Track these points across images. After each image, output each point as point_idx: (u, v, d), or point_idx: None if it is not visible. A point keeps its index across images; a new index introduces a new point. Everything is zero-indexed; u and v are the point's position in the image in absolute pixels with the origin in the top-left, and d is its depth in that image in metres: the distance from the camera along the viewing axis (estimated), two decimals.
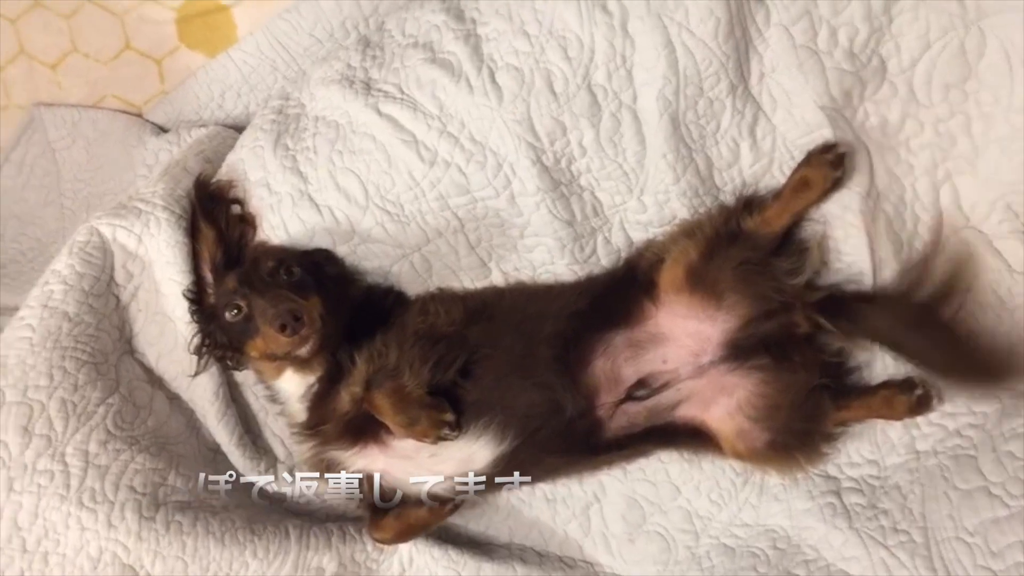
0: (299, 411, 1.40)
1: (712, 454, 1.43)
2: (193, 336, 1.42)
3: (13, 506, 1.30)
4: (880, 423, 1.44)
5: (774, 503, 1.48)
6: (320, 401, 1.37)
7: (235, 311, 1.32)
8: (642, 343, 1.38)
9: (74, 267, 1.44)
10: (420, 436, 1.30)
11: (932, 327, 1.34)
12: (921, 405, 1.38)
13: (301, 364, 1.37)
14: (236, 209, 1.49)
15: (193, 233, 1.46)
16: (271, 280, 1.33)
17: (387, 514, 1.40)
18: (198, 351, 1.42)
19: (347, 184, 1.44)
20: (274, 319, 1.26)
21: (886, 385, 1.40)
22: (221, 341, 1.40)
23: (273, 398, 1.46)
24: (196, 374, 1.45)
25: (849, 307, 1.35)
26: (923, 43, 1.31)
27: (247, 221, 1.48)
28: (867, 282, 1.40)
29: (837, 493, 1.45)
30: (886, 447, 1.45)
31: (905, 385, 1.39)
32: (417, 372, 1.30)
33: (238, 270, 1.38)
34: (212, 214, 1.46)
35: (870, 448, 1.45)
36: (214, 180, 1.53)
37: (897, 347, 1.36)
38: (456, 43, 1.41)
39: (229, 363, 1.46)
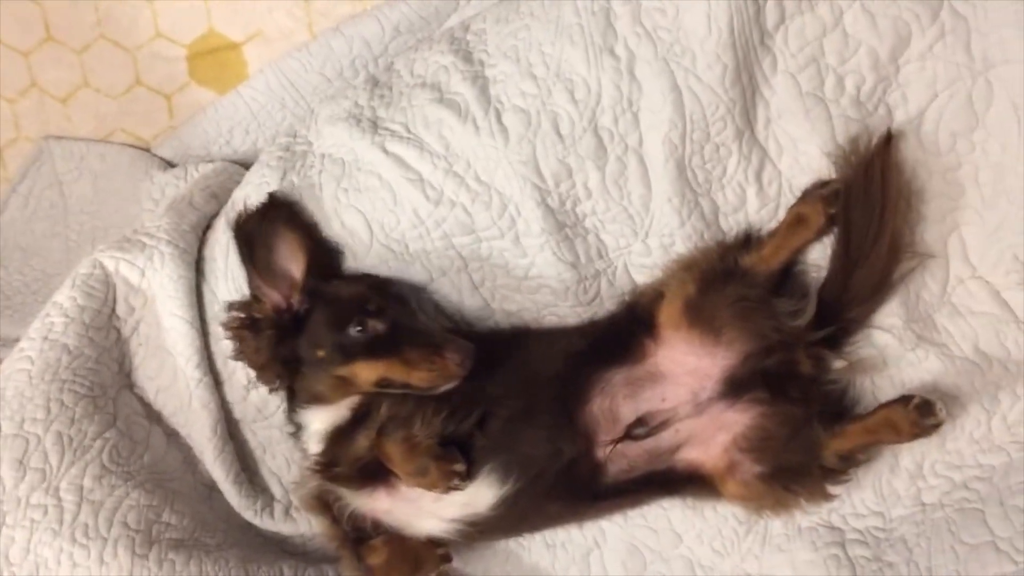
0: (314, 443, 1.37)
1: (713, 499, 1.41)
2: (265, 345, 1.34)
3: (5, 540, 1.29)
4: (885, 473, 1.40)
5: (777, 554, 1.45)
6: (339, 440, 1.34)
7: (361, 328, 1.30)
8: (641, 381, 1.36)
9: (76, 300, 1.44)
10: (430, 487, 1.28)
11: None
12: (924, 415, 1.26)
13: (358, 395, 1.34)
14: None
15: (263, 238, 1.38)
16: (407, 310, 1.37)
17: (373, 539, 1.36)
18: (271, 364, 1.35)
19: (352, 222, 1.44)
20: (456, 351, 1.28)
21: (882, 405, 1.32)
22: (305, 354, 1.33)
23: (293, 419, 1.41)
24: (275, 389, 1.40)
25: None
26: (930, 93, 1.31)
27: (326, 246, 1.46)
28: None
29: (842, 544, 1.42)
30: (892, 499, 1.41)
31: (901, 400, 1.29)
32: (429, 422, 1.28)
33: (366, 287, 1.37)
34: (296, 219, 1.42)
35: (875, 499, 1.42)
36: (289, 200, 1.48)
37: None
38: (464, 84, 1.41)
39: (273, 381, 1.39)
